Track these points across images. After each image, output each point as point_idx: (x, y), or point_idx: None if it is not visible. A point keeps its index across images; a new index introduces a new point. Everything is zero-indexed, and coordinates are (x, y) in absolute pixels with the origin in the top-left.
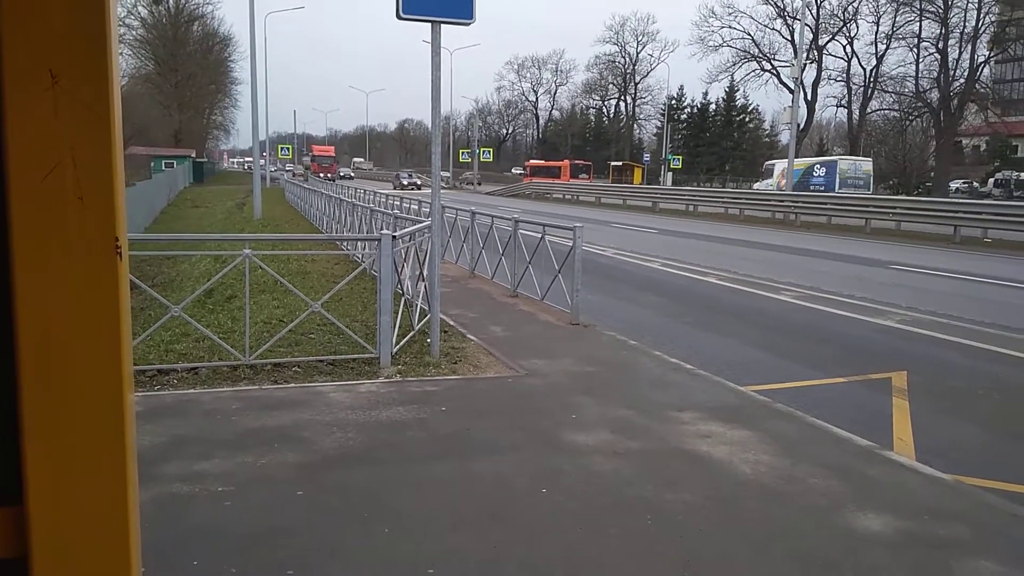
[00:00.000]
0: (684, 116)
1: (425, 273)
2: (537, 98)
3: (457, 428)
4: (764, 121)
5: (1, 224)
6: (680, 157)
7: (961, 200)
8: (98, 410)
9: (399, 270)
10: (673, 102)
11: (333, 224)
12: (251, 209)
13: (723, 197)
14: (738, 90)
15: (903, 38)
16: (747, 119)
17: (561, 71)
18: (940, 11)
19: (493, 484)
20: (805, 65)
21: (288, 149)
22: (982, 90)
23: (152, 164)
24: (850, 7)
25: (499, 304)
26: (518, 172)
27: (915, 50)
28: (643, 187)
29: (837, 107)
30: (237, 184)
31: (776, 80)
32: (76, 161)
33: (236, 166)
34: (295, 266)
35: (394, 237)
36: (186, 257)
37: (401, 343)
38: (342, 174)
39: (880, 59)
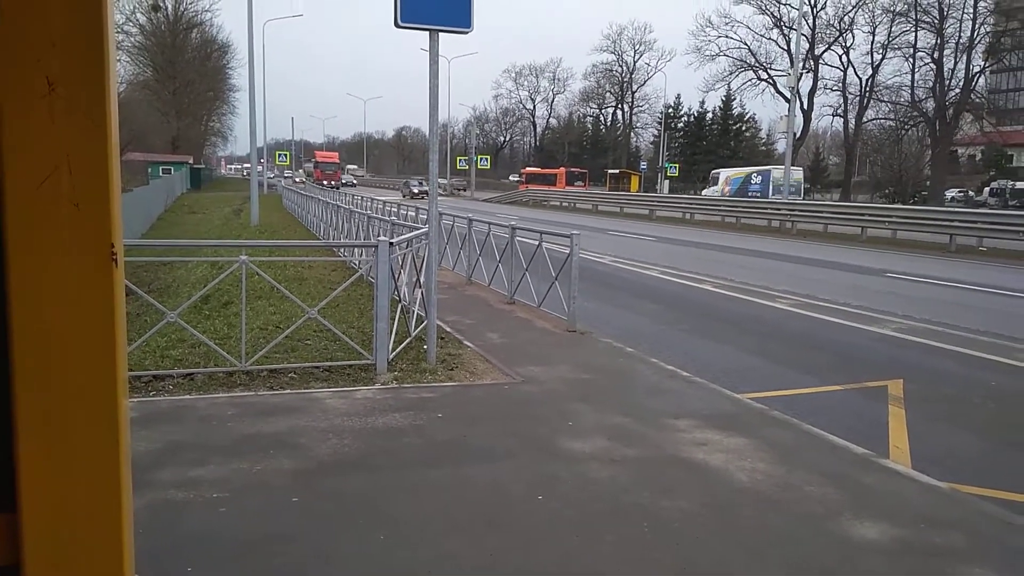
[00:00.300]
0: (681, 124)
1: (422, 280)
2: (535, 106)
3: (453, 435)
4: (760, 130)
5: None
6: (677, 165)
7: (957, 209)
8: (93, 416)
9: (396, 277)
10: (670, 110)
11: (330, 231)
12: (248, 215)
13: (719, 205)
14: (735, 99)
15: (899, 48)
16: (744, 128)
17: (559, 79)
18: (936, 21)
19: (489, 491)
20: (801, 75)
21: (286, 156)
22: (977, 100)
23: (149, 170)
24: (846, 17)
25: (496, 311)
26: (515, 179)
27: (911, 60)
28: (640, 195)
29: (833, 116)
30: (234, 190)
31: (772, 89)
32: (72, 167)
33: (234, 172)
34: (292, 272)
35: (391, 244)
36: (183, 263)
37: (398, 350)
38: (344, 181)
39: (876, 69)
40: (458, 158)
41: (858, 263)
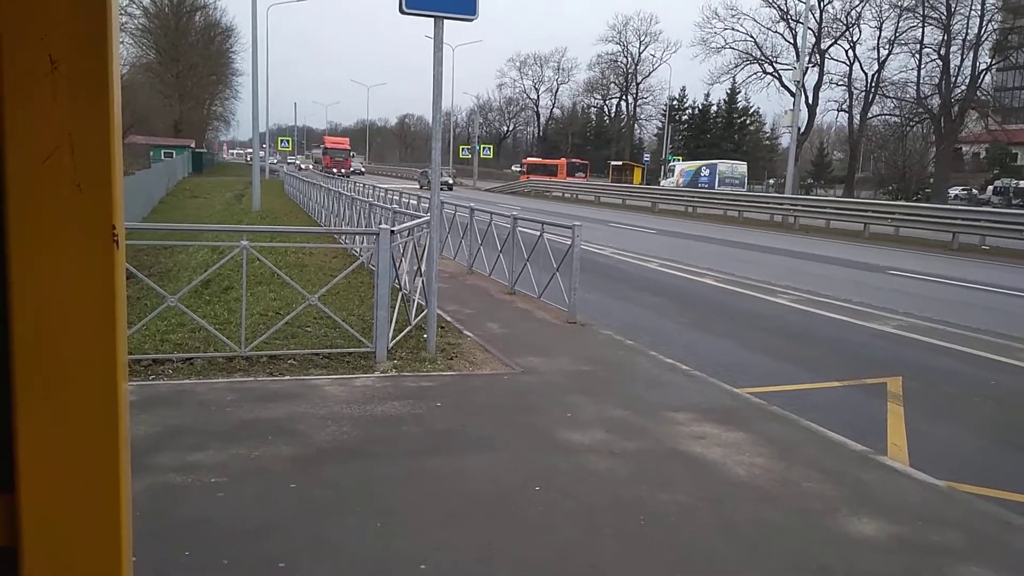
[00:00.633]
0: (685, 117)
1: (423, 268)
2: (538, 96)
3: (452, 424)
4: (765, 124)
5: None
6: (680, 158)
7: (960, 207)
8: (91, 398)
9: (397, 265)
10: (674, 103)
11: (332, 217)
12: (250, 201)
13: (722, 199)
14: (740, 92)
15: (905, 44)
16: (748, 121)
17: (563, 69)
18: (943, 17)
19: (487, 481)
20: (807, 69)
21: (288, 141)
22: (983, 97)
23: (151, 153)
24: (853, 12)
25: (496, 301)
26: (517, 170)
27: (917, 56)
28: (643, 187)
29: (838, 111)
30: (236, 175)
31: (778, 83)
32: (74, 147)
33: (236, 157)
34: (293, 259)
35: (392, 232)
36: (183, 247)
37: (398, 338)
38: (353, 168)
39: (882, 64)
40: (461, 147)
41: (860, 259)
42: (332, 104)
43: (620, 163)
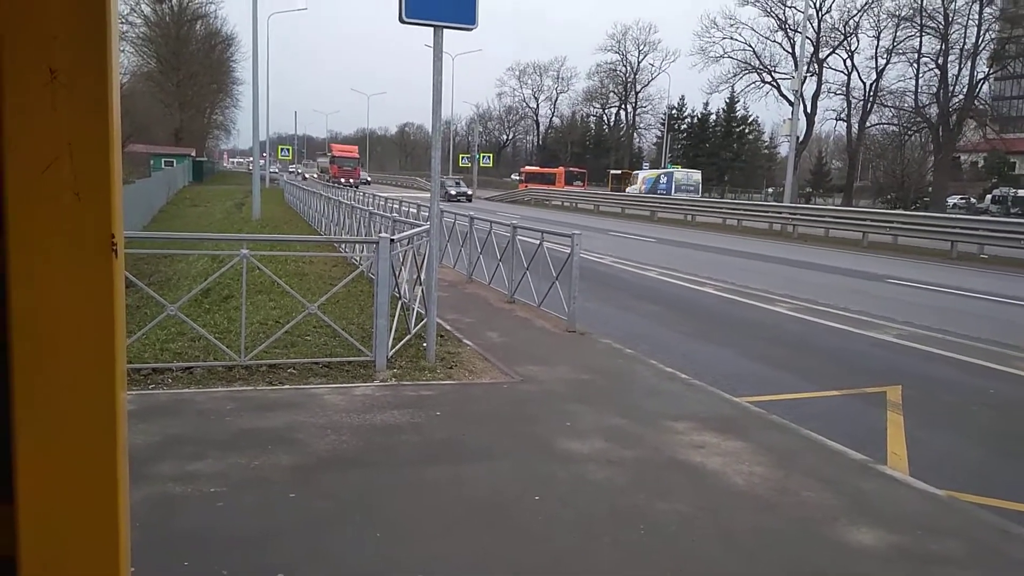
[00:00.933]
0: (684, 126)
1: (422, 277)
2: (538, 105)
3: (451, 433)
4: (764, 133)
5: None
6: (679, 167)
7: (958, 216)
8: (90, 408)
9: (396, 274)
10: (673, 111)
11: (332, 226)
12: (250, 209)
13: (721, 208)
14: (738, 101)
15: (903, 53)
16: (747, 130)
17: (562, 78)
18: (940, 27)
19: (486, 490)
20: (805, 78)
21: (288, 150)
22: (981, 106)
23: (152, 162)
24: (851, 21)
25: (496, 310)
26: (516, 179)
27: (915, 65)
28: (641, 196)
29: (836, 120)
30: (236, 184)
31: (776, 92)
32: (74, 157)
33: (236, 166)
34: (293, 267)
35: (392, 240)
36: (183, 256)
37: (397, 347)
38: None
39: (880, 73)
40: (461, 156)
41: (859, 268)
42: (333, 113)
43: (619, 172)
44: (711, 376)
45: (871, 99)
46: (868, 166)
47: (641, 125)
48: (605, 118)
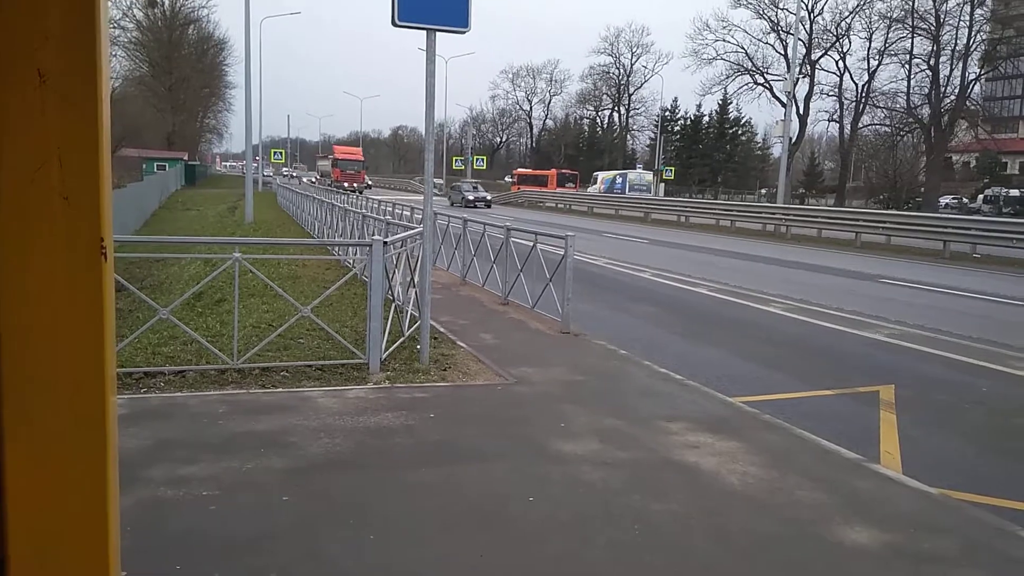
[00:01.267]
0: (677, 128)
1: (416, 279)
2: (531, 107)
3: (445, 435)
4: (756, 134)
5: None
6: (673, 168)
7: (951, 216)
8: (79, 411)
9: (390, 276)
10: (667, 113)
11: (325, 229)
12: (243, 213)
13: (714, 209)
14: (731, 103)
15: (895, 54)
16: (740, 132)
17: (555, 81)
18: (932, 29)
19: (481, 492)
20: (798, 79)
21: (281, 153)
22: (972, 107)
23: (144, 166)
24: (843, 23)
25: (490, 311)
26: (509, 180)
27: (907, 66)
28: (635, 197)
29: (829, 121)
30: (229, 188)
31: (769, 94)
32: (63, 161)
33: (229, 169)
34: (285, 270)
35: (385, 243)
36: (176, 260)
37: (391, 349)
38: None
39: (872, 75)
40: (454, 158)
41: (852, 268)
42: (326, 116)
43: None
44: (705, 376)
45: (863, 100)
46: (861, 167)
47: (634, 127)
48: (598, 120)
